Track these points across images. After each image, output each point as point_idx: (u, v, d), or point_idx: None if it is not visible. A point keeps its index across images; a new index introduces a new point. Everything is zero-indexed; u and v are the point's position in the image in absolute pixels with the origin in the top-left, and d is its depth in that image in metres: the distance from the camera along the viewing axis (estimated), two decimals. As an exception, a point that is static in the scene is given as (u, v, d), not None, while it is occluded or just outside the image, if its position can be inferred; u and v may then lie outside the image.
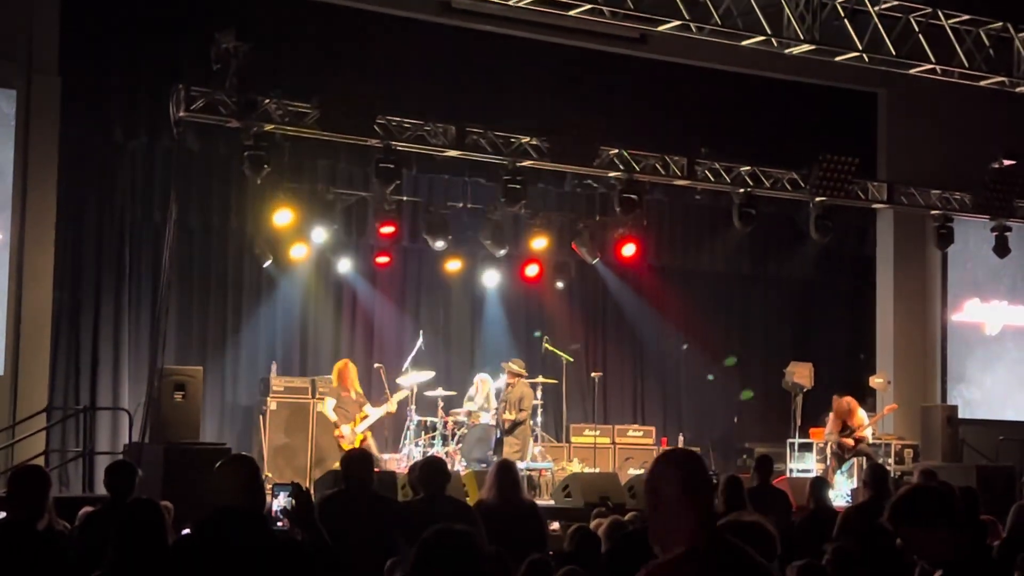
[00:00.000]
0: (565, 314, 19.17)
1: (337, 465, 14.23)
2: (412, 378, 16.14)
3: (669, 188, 17.71)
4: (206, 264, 16.82)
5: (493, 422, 15.89)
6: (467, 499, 11.66)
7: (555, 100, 17.22)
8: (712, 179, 16.74)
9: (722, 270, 20.04)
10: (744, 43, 14.56)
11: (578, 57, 17.92)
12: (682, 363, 19.91)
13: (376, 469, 9.20)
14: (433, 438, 15.97)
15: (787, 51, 14.78)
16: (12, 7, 14.91)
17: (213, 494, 5.07)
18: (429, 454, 13.99)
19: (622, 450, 17.62)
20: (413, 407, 16.01)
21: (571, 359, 17.46)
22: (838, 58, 15.12)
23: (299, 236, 16.19)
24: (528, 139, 15.44)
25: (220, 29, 13.42)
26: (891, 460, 17.55)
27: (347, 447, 15.13)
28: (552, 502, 14.44)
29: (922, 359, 20.10)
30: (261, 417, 15.93)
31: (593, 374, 17.96)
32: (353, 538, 6.79)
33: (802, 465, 17.63)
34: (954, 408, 18.17)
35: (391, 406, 15.57)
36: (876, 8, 14.78)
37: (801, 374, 18.02)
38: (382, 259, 17.41)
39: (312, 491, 12.33)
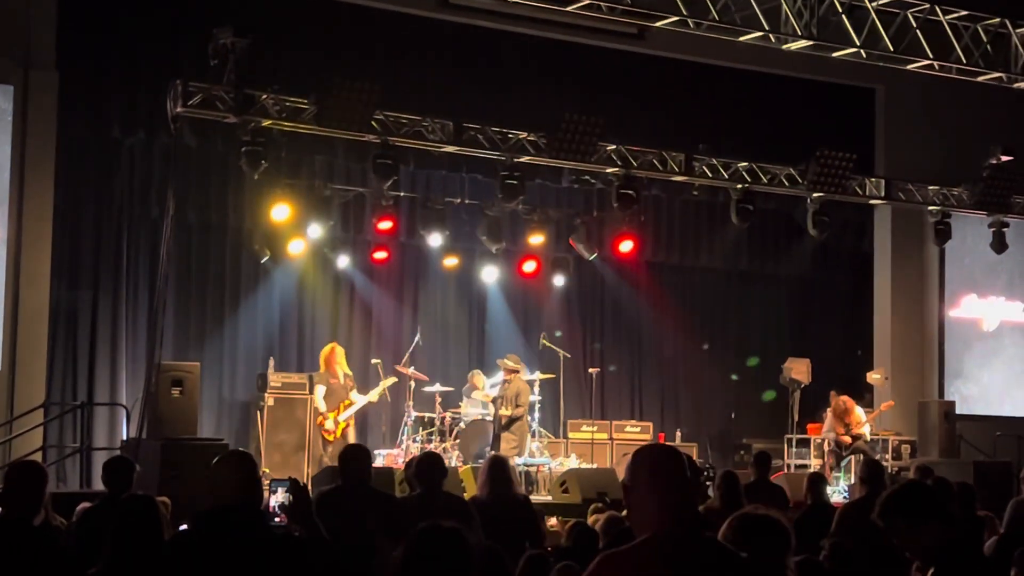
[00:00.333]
0: (562, 310, 19.18)
1: (329, 460, 14.39)
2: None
3: (667, 184, 17.71)
4: (204, 259, 16.82)
5: (490, 418, 15.90)
6: (464, 495, 11.67)
7: (553, 96, 17.21)
8: (710, 175, 16.73)
9: (720, 266, 20.04)
10: (742, 39, 14.57)
11: (576, 53, 17.91)
12: (680, 359, 19.91)
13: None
14: (431, 434, 15.98)
15: (785, 47, 14.80)
16: (9, 3, 14.89)
17: (210, 490, 5.07)
18: (426, 450, 14.01)
19: (620, 446, 17.61)
20: (411, 402, 16.03)
21: (568, 355, 17.47)
22: (836, 54, 15.13)
23: (297, 232, 16.18)
24: (526, 135, 15.43)
25: (218, 25, 13.40)
26: (888, 456, 17.58)
27: (330, 438, 15.19)
28: (550, 498, 14.46)
29: (920, 355, 20.11)
30: (258, 413, 15.93)
31: (591, 370, 17.96)
32: (350, 534, 6.79)
33: (800, 461, 17.65)
34: (951, 404, 18.19)
35: (372, 396, 15.61)
36: (874, 4, 14.79)
37: (799, 370, 18.04)
38: (380, 254, 17.42)
39: (309, 487, 12.33)
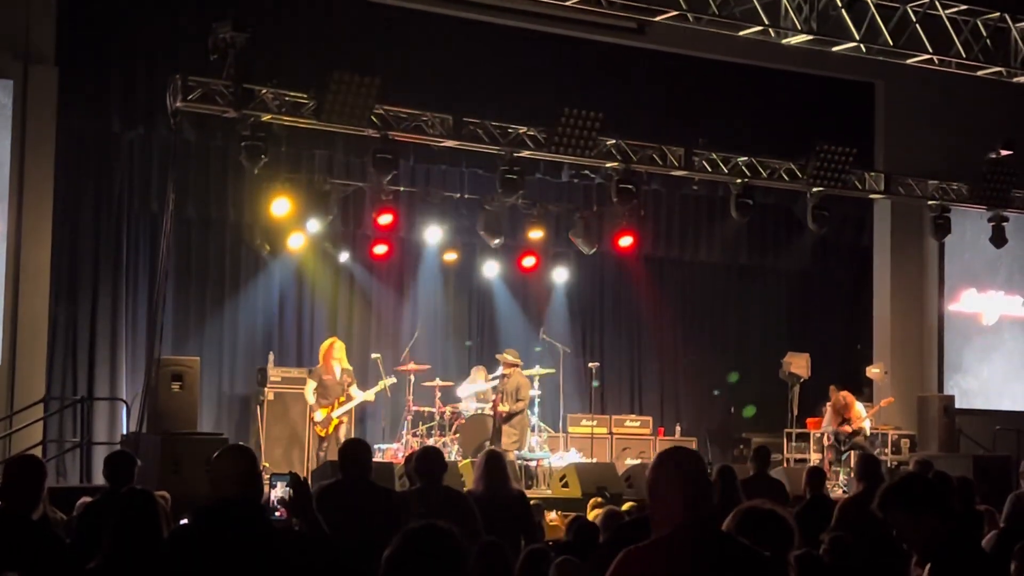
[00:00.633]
0: (562, 305, 19.18)
1: (324, 455, 14.39)
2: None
3: (666, 179, 17.70)
4: (203, 254, 16.82)
5: (491, 412, 15.91)
6: (464, 489, 11.67)
7: (552, 90, 17.20)
8: (709, 169, 16.73)
9: (719, 261, 20.05)
10: (742, 33, 14.56)
11: (576, 47, 17.91)
12: (680, 354, 19.92)
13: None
14: (430, 428, 15.98)
15: (784, 41, 14.78)
16: (9, -3, 14.90)
17: (211, 484, 5.07)
18: (426, 444, 14.01)
19: (619, 440, 17.64)
20: (411, 397, 16.03)
21: (567, 349, 17.48)
22: (835, 48, 15.12)
23: (296, 226, 16.19)
24: (525, 129, 15.42)
25: (217, 19, 13.40)
26: (888, 450, 17.59)
27: (321, 433, 15.18)
28: (550, 492, 14.47)
29: (919, 349, 20.11)
30: (258, 407, 15.95)
31: (591, 364, 17.97)
32: (350, 528, 6.79)
33: (799, 455, 17.66)
34: (951, 398, 18.21)
35: (369, 395, 15.60)
36: (873, -2, 14.78)
37: (798, 364, 18.06)
38: (379, 249, 17.41)
39: (310, 481, 12.32)
